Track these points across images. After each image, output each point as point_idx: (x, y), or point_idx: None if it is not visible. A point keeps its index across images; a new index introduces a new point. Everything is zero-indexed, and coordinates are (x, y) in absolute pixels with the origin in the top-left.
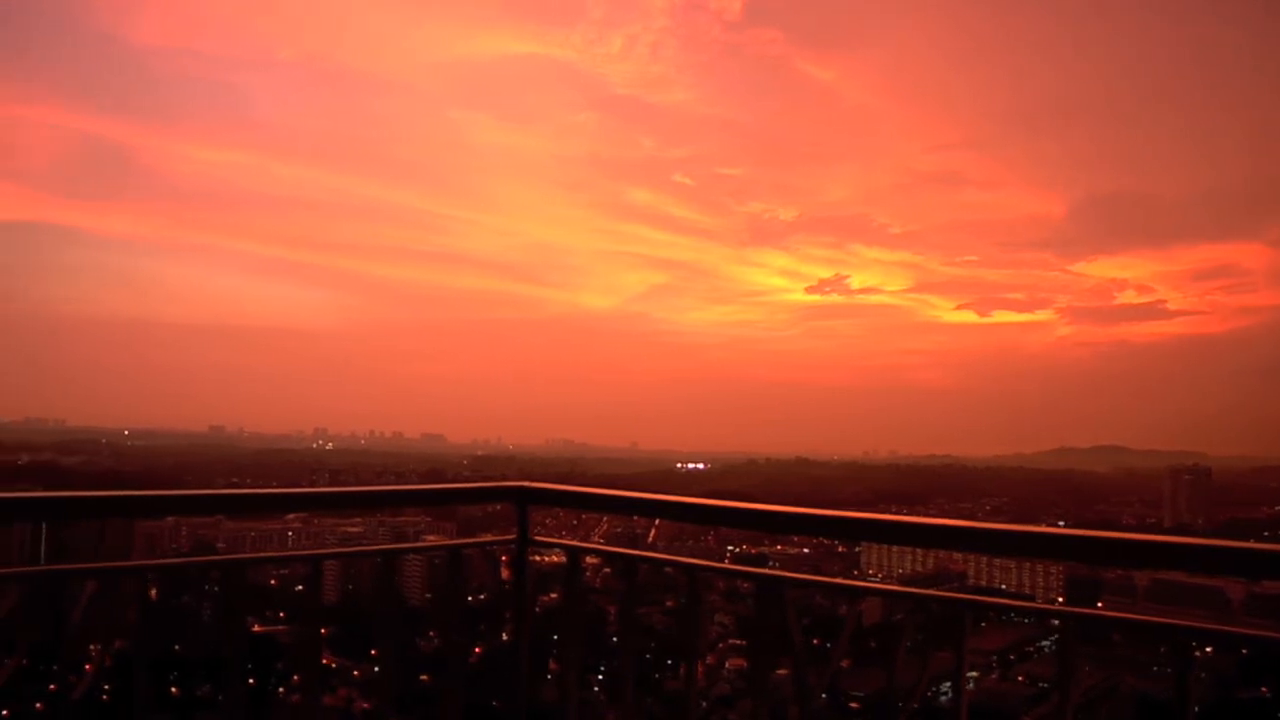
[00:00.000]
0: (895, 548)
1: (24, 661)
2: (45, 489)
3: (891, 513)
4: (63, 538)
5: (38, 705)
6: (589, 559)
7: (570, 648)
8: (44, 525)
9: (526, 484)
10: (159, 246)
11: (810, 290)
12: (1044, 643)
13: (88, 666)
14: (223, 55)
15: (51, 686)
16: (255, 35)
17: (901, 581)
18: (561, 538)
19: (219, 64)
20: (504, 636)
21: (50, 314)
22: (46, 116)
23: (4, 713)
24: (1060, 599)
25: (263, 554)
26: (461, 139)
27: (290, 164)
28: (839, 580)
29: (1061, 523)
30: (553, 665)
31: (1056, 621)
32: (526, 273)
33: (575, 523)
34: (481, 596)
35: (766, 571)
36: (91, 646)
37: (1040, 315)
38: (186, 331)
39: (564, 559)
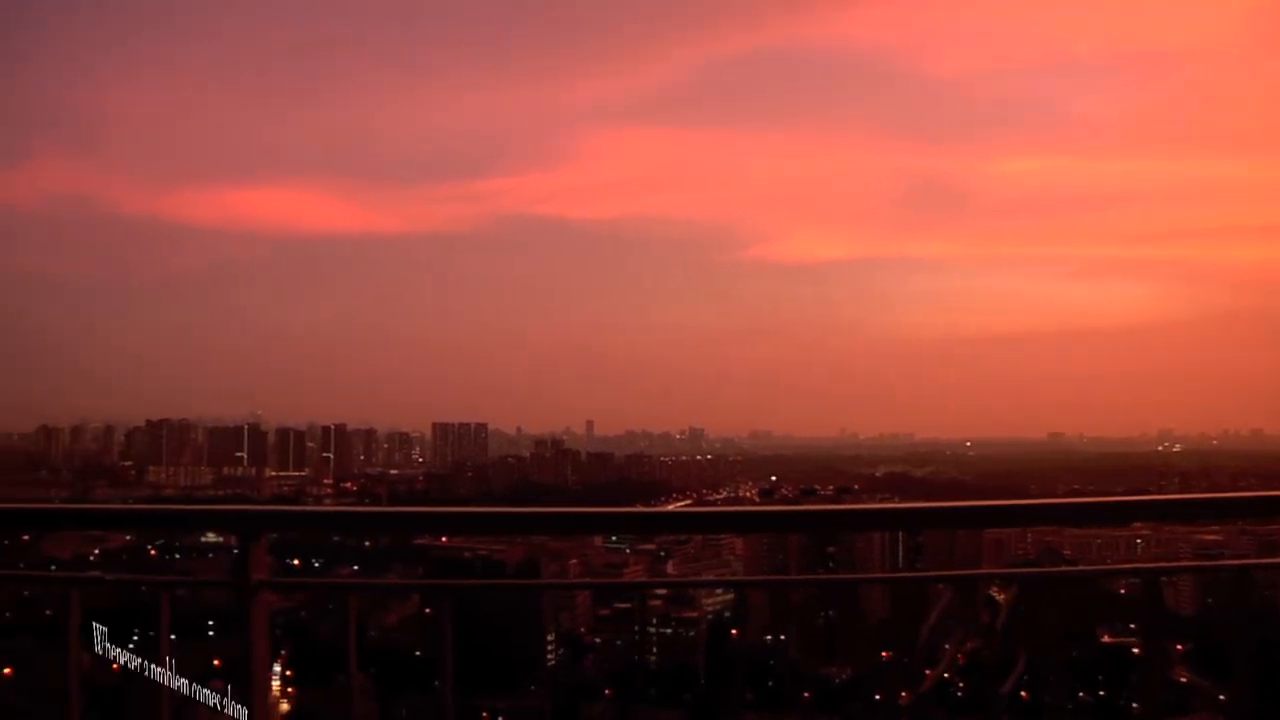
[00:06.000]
0: None
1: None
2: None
3: None
4: (919, 543)
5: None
6: None
7: None
8: (899, 533)
9: None
10: (979, 263)
11: None
12: None
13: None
14: (1016, 68)
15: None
16: (1043, 39)
17: None
18: None
19: (1015, 77)
20: None
21: (893, 339)
22: (872, 160)
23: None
24: None
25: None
26: None
27: (1105, 158)
28: None
29: None
30: None
31: None
32: None
33: None
34: None
35: None
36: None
37: None
38: (1015, 342)
39: None
